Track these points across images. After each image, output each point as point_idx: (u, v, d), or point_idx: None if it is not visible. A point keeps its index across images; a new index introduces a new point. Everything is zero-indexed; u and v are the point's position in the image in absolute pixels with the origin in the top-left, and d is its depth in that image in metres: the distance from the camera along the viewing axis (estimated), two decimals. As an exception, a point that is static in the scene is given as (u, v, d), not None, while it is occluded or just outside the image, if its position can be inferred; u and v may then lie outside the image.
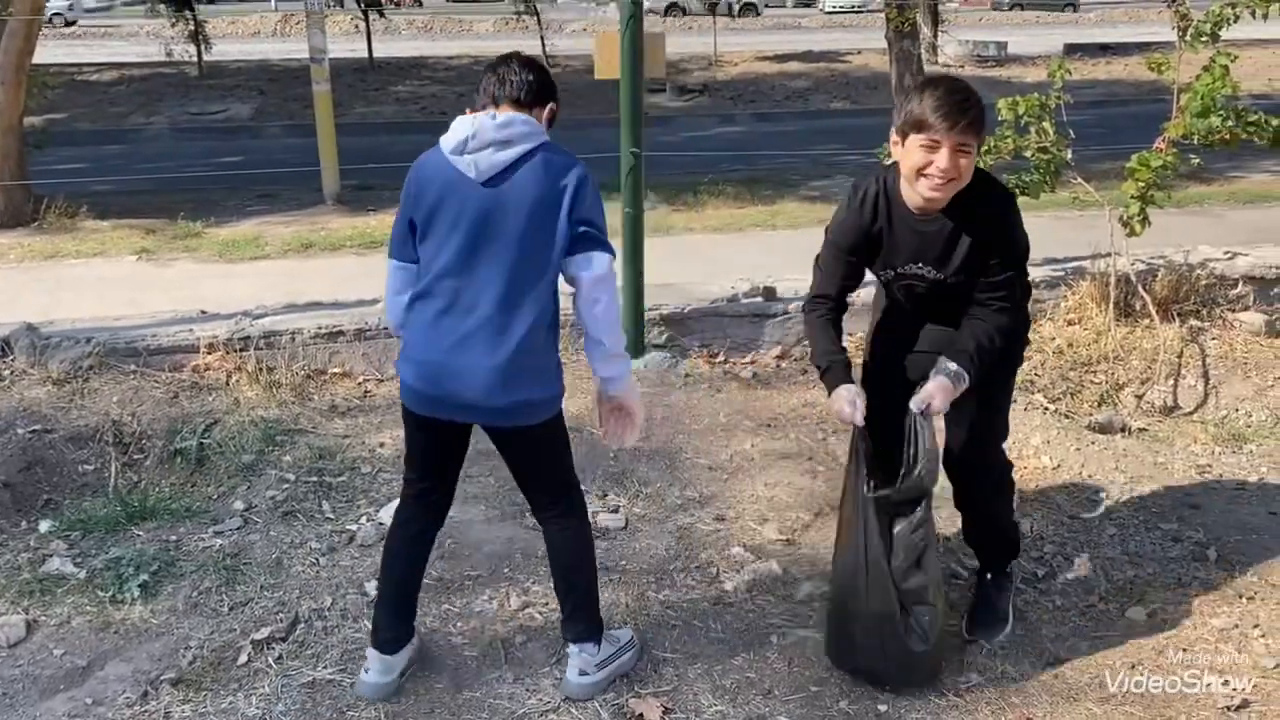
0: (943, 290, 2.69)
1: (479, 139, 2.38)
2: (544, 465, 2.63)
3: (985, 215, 2.60)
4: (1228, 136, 4.63)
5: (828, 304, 2.80)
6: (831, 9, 38.26)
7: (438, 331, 2.44)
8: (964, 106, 2.46)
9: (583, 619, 2.68)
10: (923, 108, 2.48)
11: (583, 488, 3.66)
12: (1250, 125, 4.65)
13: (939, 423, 2.73)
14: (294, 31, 29.08)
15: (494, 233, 2.39)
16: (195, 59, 18.05)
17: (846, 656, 2.75)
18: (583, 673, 2.66)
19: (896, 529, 2.65)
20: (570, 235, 2.41)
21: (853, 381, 2.73)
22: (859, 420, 2.64)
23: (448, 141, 2.42)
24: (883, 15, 10.04)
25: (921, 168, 2.51)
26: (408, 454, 2.69)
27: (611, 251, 2.46)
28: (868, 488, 2.63)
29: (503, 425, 2.50)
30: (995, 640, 2.90)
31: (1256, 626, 2.92)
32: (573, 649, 2.68)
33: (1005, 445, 2.97)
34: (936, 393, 2.62)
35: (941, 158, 2.47)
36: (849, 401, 2.66)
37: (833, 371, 2.73)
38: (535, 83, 2.51)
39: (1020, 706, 2.64)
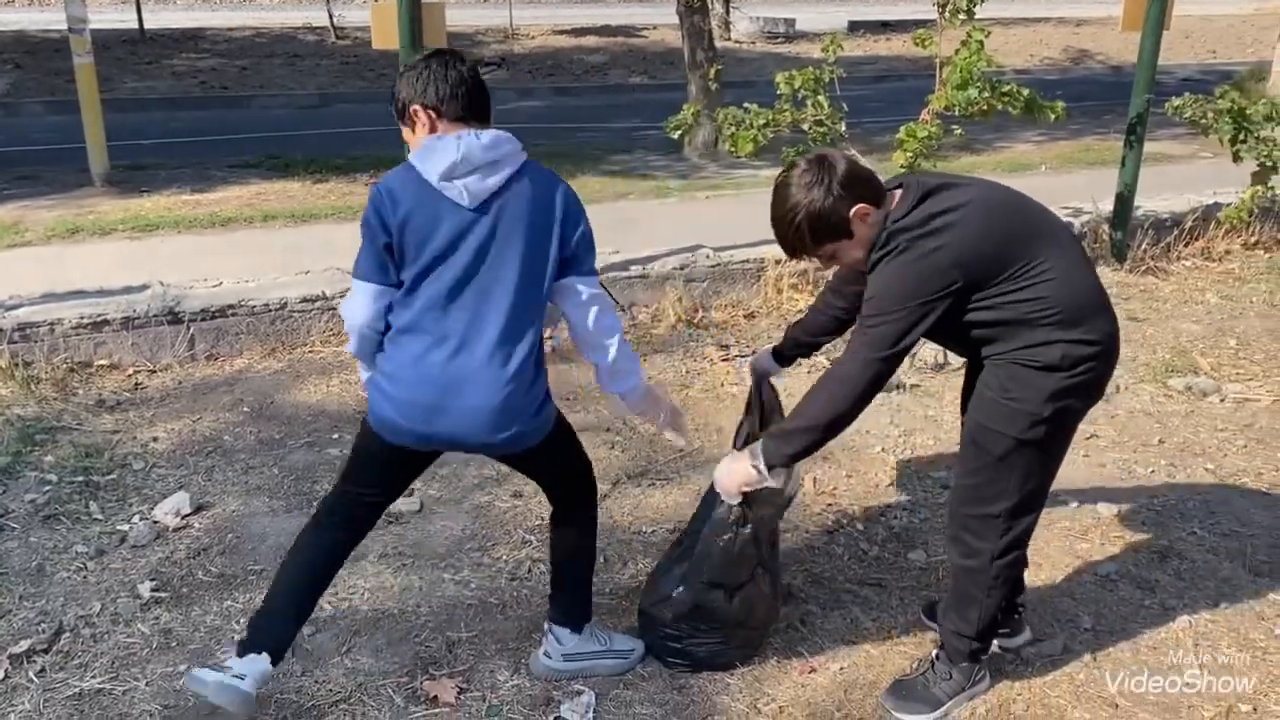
0: None
1: (467, 163, 2.20)
2: (553, 472, 2.57)
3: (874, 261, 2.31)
4: (985, 107, 4.94)
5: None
6: None
7: (428, 369, 2.26)
8: (783, 243, 2.37)
9: (563, 602, 2.66)
10: None
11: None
12: (1004, 96, 4.97)
13: None
14: (52, 0, 26.86)
15: (490, 262, 2.24)
16: (-63, 29, 16.43)
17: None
18: (547, 654, 2.65)
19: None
20: (563, 256, 2.30)
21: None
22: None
23: (431, 168, 2.21)
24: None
25: None
26: (360, 469, 2.47)
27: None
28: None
29: (503, 454, 2.43)
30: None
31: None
32: (547, 630, 2.67)
33: (1003, 538, 2.40)
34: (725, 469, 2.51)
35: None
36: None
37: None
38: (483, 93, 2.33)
39: (807, 657, 2.75)
